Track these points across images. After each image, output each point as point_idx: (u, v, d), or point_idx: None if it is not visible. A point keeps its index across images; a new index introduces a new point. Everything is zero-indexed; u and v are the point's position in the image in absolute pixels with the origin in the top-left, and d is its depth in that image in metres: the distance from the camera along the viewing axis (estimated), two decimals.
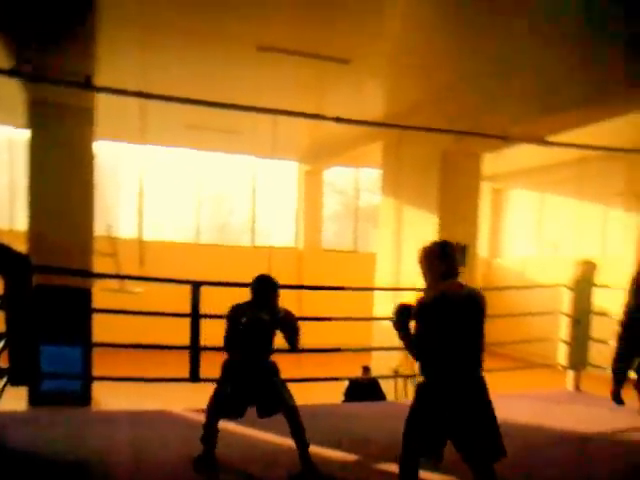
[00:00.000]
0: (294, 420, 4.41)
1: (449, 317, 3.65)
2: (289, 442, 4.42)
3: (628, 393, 6.78)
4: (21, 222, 9.74)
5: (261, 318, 4.53)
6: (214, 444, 4.46)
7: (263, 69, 10.29)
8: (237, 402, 4.48)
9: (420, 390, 3.78)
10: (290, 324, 4.63)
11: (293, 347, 4.62)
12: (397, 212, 13.15)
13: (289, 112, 8.47)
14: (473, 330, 3.72)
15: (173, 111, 12.00)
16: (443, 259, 3.91)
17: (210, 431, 4.44)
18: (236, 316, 4.57)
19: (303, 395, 5.02)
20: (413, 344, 3.83)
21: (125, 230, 18.20)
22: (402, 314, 3.90)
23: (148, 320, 7.17)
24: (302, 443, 4.42)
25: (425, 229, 11.65)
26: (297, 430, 4.41)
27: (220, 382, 4.58)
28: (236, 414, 4.55)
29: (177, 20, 8.67)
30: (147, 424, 5.68)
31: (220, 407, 4.46)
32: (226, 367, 4.64)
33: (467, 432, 3.61)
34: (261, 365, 4.62)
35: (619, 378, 6.92)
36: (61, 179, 8.27)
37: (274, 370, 4.68)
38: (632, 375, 6.80)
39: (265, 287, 4.69)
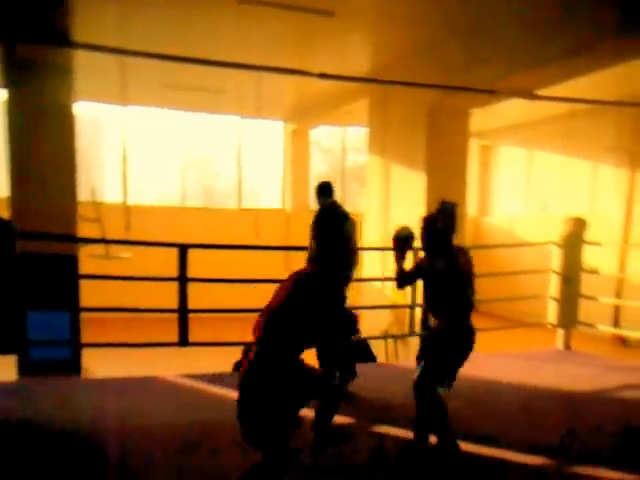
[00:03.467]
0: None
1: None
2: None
3: (622, 352, 6.80)
4: (2, 188, 9.56)
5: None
6: None
7: (245, 23, 10.03)
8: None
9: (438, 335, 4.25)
10: None
11: None
12: (384, 171, 13.04)
13: (273, 68, 8.30)
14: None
15: (154, 69, 11.77)
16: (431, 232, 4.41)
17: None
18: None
19: None
20: (402, 276, 4.40)
21: (109, 195, 18.04)
22: (404, 241, 4.42)
23: (135, 285, 7.08)
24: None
25: (413, 188, 11.57)
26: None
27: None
28: None
29: None
30: (138, 391, 5.64)
31: None
32: None
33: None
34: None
35: None
36: (41, 142, 8.06)
37: None
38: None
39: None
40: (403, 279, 4.44)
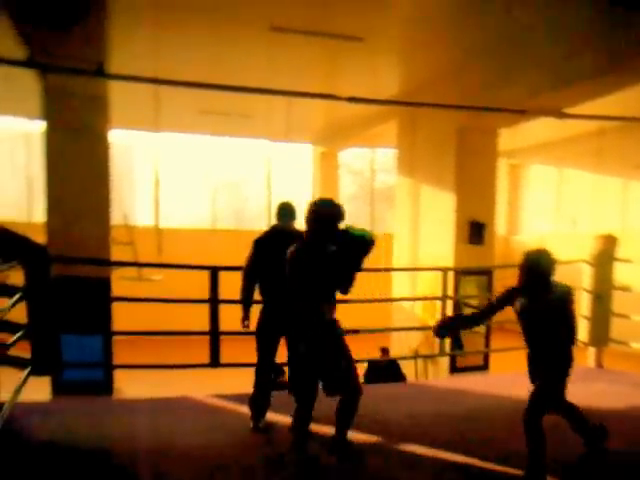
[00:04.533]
0: None
1: None
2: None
3: None
4: (39, 215, 9.78)
5: None
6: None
7: (276, 50, 10.22)
8: None
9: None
10: None
11: None
12: (414, 192, 13.07)
13: (303, 93, 8.42)
14: None
15: (186, 96, 11.98)
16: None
17: None
18: None
19: None
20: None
21: (142, 218, 18.29)
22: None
23: (167, 307, 7.19)
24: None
25: (442, 208, 11.58)
26: None
27: None
28: None
29: (189, 2, 8.62)
30: (169, 411, 5.70)
31: None
32: None
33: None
34: None
35: None
36: (77, 169, 8.28)
37: None
38: None
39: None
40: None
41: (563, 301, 4.17)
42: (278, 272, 4.53)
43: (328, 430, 4.33)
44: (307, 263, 4.16)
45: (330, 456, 4.22)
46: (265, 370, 5.06)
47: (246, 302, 5.21)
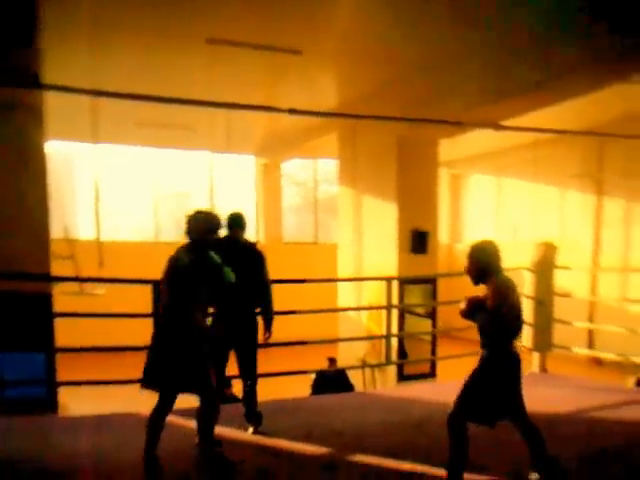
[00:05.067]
0: None
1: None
2: None
3: (597, 373, 6.87)
4: None
5: None
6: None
7: (214, 62, 10.18)
8: None
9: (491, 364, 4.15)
10: None
11: None
12: (356, 202, 13.18)
13: (242, 105, 8.37)
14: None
15: (125, 108, 11.82)
16: None
17: None
18: None
19: (271, 390, 5.00)
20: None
21: (83, 232, 17.91)
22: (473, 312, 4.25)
23: (110, 322, 7.05)
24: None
25: (385, 218, 11.69)
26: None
27: None
28: None
29: (125, 14, 8.52)
30: (114, 427, 5.60)
31: None
32: None
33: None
34: None
35: None
36: (13, 181, 8.06)
37: None
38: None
39: None
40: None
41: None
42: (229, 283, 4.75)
43: None
44: (179, 271, 4.50)
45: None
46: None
47: None
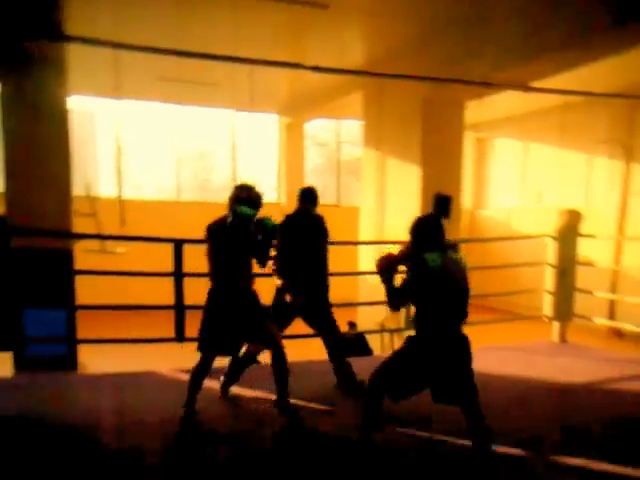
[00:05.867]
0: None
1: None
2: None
3: (617, 345, 6.79)
4: None
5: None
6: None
7: (239, 16, 9.97)
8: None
9: (411, 341, 3.97)
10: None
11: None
12: (380, 164, 13.03)
13: (266, 62, 8.26)
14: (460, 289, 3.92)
15: (148, 62, 11.72)
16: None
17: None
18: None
19: (293, 352, 4.98)
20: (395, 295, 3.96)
21: (104, 189, 17.99)
22: (387, 270, 4.02)
23: (131, 280, 7.08)
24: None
25: (408, 181, 11.56)
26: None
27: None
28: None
29: None
30: (133, 386, 5.63)
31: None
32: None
33: (448, 383, 3.87)
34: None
35: None
36: (36, 136, 8.04)
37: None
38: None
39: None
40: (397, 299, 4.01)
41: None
42: (303, 255, 5.26)
43: None
44: (229, 239, 4.67)
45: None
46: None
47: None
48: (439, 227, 4.02)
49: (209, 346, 4.65)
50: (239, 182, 5.00)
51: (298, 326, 5.55)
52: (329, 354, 5.59)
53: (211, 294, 4.71)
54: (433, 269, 3.77)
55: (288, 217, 5.62)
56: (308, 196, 5.66)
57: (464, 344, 3.93)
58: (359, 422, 4.07)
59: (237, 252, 4.65)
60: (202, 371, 4.68)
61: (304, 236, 5.35)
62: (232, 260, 4.65)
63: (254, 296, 4.80)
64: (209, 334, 4.64)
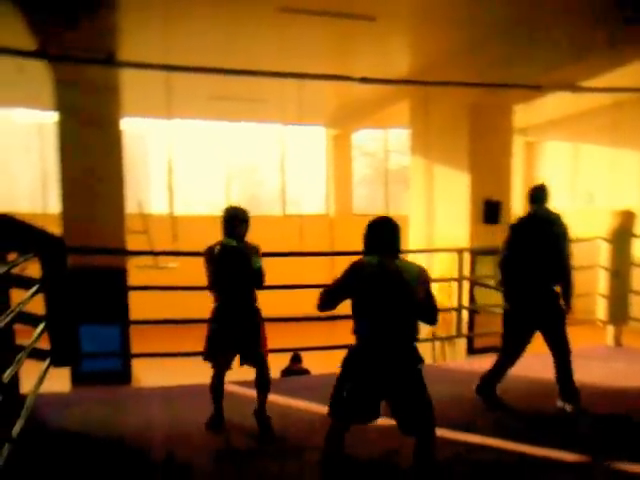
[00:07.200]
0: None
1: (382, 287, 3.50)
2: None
3: None
4: (54, 206, 9.80)
5: (229, 245, 4.78)
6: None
7: (286, 32, 10.13)
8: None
9: (348, 352, 3.64)
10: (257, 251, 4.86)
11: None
12: (428, 172, 12.99)
13: (314, 75, 8.36)
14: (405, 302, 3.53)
15: (197, 82, 11.96)
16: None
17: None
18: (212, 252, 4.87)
19: (326, 364, 5.02)
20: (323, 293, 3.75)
21: (156, 206, 18.36)
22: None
23: (183, 294, 7.20)
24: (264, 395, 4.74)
25: (457, 188, 11.50)
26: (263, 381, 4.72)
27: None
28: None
29: None
30: (187, 399, 5.73)
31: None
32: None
33: (403, 402, 3.54)
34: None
35: None
36: (91, 159, 8.31)
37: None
38: None
39: (232, 218, 4.83)
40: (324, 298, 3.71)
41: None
42: (539, 260, 4.92)
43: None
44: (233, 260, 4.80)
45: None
46: None
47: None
48: (385, 230, 3.63)
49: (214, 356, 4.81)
50: (227, 206, 4.93)
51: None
52: (558, 366, 5.19)
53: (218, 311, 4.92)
54: (364, 272, 3.49)
55: (521, 220, 5.33)
56: (538, 195, 5.33)
57: (409, 362, 3.56)
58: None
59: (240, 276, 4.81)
60: (219, 384, 4.83)
61: (536, 239, 5.04)
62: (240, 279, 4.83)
63: (258, 313, 4.90)
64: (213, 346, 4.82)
